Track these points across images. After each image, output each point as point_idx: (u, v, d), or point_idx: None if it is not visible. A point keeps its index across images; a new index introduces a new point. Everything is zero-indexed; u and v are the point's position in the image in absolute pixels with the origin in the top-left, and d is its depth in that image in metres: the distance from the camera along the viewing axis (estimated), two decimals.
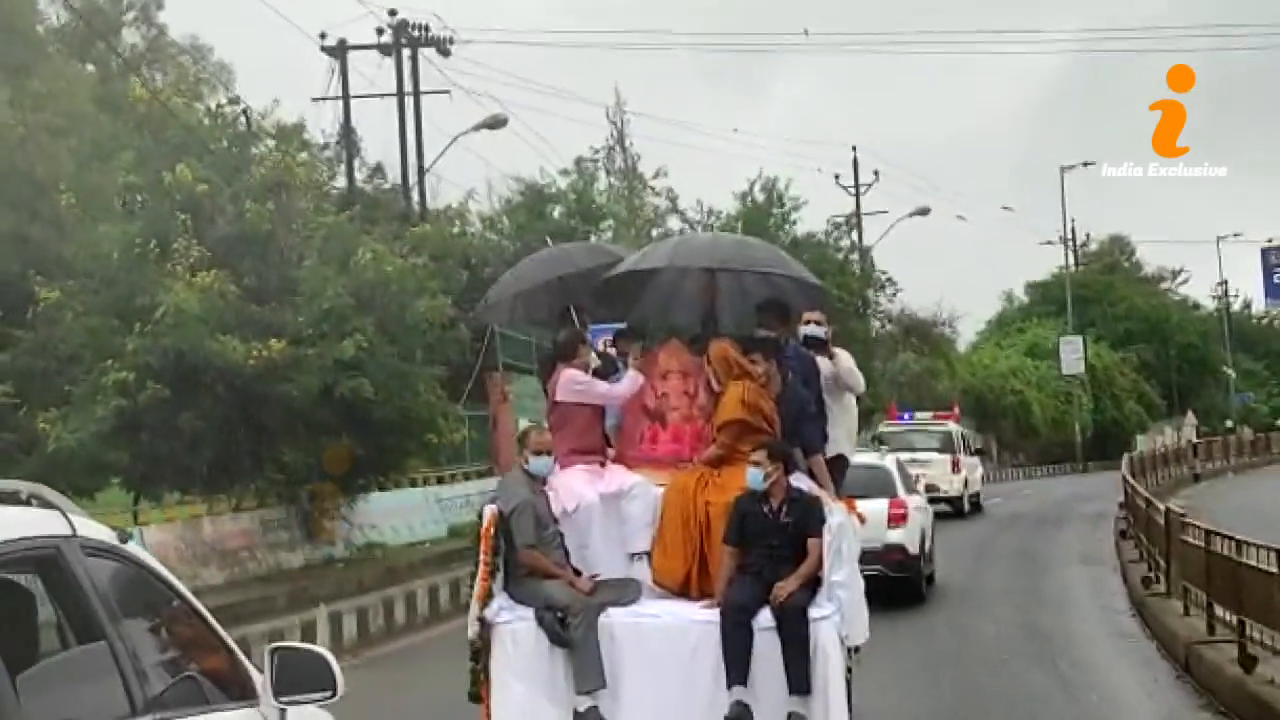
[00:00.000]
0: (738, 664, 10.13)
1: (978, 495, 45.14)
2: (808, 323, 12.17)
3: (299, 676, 6.04)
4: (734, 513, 10.66)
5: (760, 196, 60.74)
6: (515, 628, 10.40)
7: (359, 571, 27.77)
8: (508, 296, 12.96)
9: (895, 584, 21.68)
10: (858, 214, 68.26)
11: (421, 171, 46.59)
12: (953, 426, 44.80)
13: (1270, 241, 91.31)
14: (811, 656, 10.16)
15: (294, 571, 27.44)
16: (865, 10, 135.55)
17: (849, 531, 10.76)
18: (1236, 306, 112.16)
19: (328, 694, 6.10)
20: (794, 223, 61.33)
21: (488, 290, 14.00)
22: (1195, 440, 62.28)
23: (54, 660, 5.15)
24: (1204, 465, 57.41)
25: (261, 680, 6.08)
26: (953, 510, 40.78)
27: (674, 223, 60.03)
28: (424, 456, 33.21)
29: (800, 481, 10.94)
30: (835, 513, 10.74)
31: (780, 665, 10.16)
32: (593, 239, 51.61)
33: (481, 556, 10.53)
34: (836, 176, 69.60)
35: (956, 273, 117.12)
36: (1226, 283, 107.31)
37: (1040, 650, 18.68)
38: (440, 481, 37.43)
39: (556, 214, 51.35)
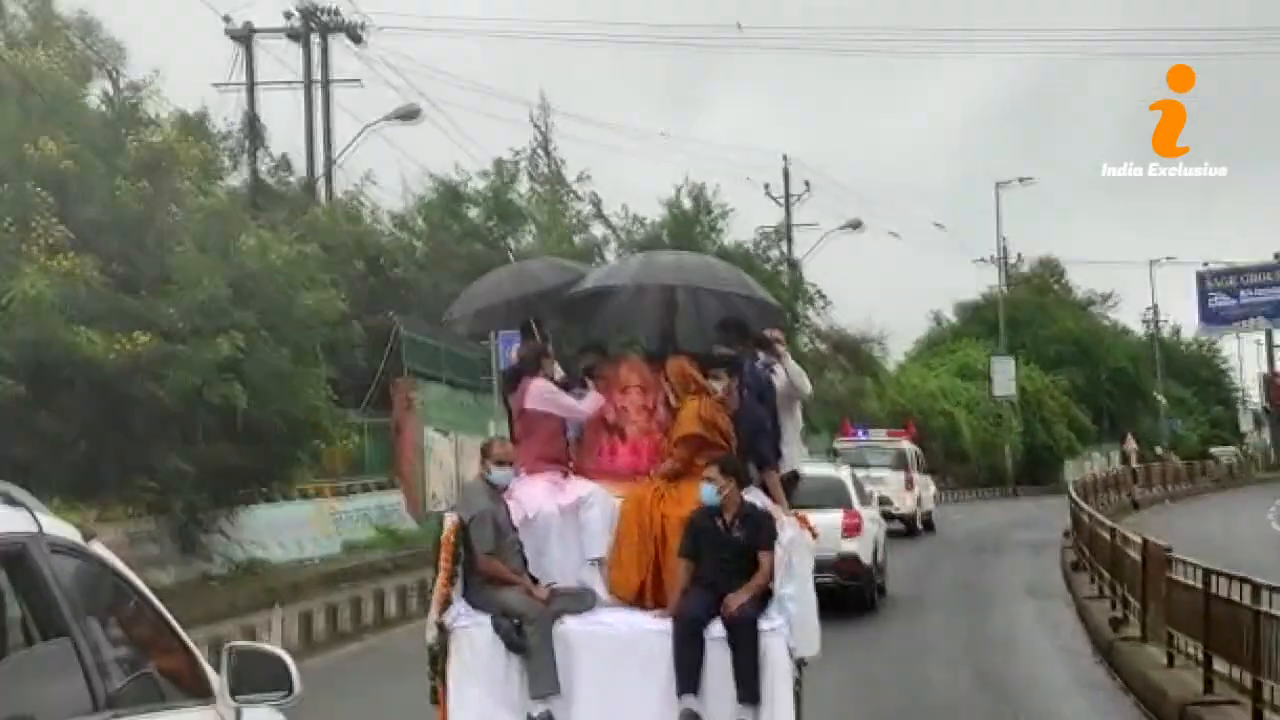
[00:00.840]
0: (689, 673, 10.35)
1: (930, 514, 45.88)
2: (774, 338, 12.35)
3: (256, 677, 6.06)
4: (688, 526, 10.89)
5: (688, 203, 58.52)
6: (472, 633, 10.63)
7: (235, 592, 25.03)
8: (470, 311, 13.09)
9: (848, 593, 22.04)
10: (788, 225, 66.16)
11: (329, 165, 43.97)
12: (906, 444, 45.48)
13: (1206, 265, 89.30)
14: (760, 667, 10.37)
15: (162, 590, 24.63)
16: (805, 11, 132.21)
17: (800, 546, 10.93)
18: (1166, 333, 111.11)
19: (284, 694, 6.13)
20: (721, 231, 59.21)
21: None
22: (1136, 465, 60.43)
23: (19, 655, 5.20)
24: (1142, 492, 55.30)
25: (218, 680, 6.08)
26: (906, 528, 41.12)
27: (597, 229, 57.88)
28: (315, 467, 30.45)
29: (754, 497, 11.13)
30: (787, 528, 10.92)
31: (730, 675, 10.36)
32: (511, 243, 49.24)
33: (442, 563, 10.79)
34: (766, 186, 67.58)
35: (887, 290, 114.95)
36: (1157, 307, 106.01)
37: (998, 704, 16.29)
38: (336, 494, 34.65)
39: (473, 214, 48.57)
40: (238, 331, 23.39)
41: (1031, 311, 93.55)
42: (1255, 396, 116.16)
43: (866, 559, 23.47)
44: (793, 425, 12.21)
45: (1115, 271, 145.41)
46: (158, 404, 23.03)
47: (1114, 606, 20.43)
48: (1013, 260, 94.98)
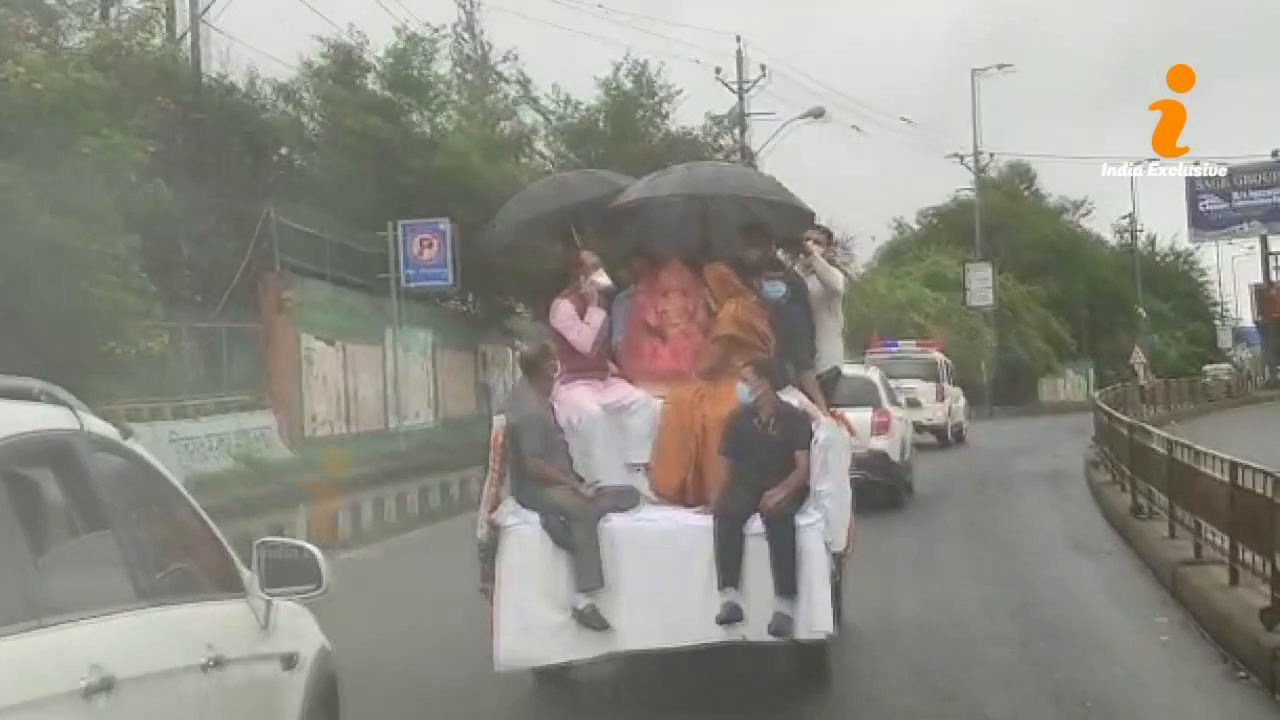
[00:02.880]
0: (729, 567, 10.81)
1: (960, 425, 46.63)
2: (808, 239, 13.04)
3: (287, 571, 6.33)
4: (727, 426, 11.50)
5: (628, 84, 51.65)
6: (521, 530, 11.13)
7: None
8: (513, 223, 13.67)
9: (877, 489, 21.78)
10: (741, 111, 59.33)
11: (195, 23, 36.60)
12: (937, 355, 46.23)
13: (1198, 166, 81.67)
14: (797, 561, 10.75)
15: None
16: None
17: (835, 445, 11.52)
18: (1141, 242, 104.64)
19: (314, 588, 6.37)
20: (666, 117, 52.45)
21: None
22: (1144, 382, 54.64)
23: (64, 546, 5.30)
24: (1148, 411, 48.82)
25: (249, 575, 6.33)
26: (937, 440, 42.02)
27: (526, 116, 51.11)
28: (124, 374, 22.98)
29: (791, 397, 11.77)
30: (823, 427, 11.52)
31: (769, 568, 10.75)
32: (426, 126, 42.38)
33: (492, 464, 11.37)
34: (718, 70, 60.66)
35: (850, 191, 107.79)
36: (1135, 214, 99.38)
37: None
38: (179, 416, 27.54)
39: (371, 83, 41.23)
40: None
41: (1004, 217, 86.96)
42: (1238, 310, 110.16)
43: (895, 456, 25.15)
44: (833, 323, 12.86)
45: (1089, 178, 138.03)
46: None
47: (1233, 579, 13.54)
48: (985, 161, 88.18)
